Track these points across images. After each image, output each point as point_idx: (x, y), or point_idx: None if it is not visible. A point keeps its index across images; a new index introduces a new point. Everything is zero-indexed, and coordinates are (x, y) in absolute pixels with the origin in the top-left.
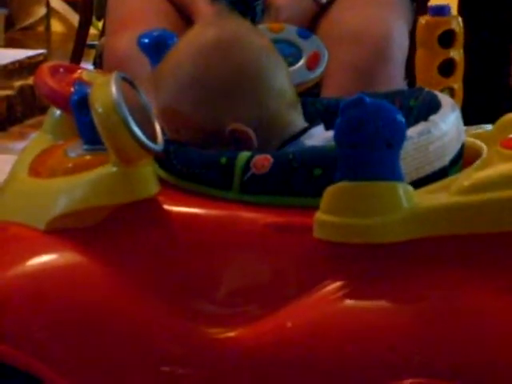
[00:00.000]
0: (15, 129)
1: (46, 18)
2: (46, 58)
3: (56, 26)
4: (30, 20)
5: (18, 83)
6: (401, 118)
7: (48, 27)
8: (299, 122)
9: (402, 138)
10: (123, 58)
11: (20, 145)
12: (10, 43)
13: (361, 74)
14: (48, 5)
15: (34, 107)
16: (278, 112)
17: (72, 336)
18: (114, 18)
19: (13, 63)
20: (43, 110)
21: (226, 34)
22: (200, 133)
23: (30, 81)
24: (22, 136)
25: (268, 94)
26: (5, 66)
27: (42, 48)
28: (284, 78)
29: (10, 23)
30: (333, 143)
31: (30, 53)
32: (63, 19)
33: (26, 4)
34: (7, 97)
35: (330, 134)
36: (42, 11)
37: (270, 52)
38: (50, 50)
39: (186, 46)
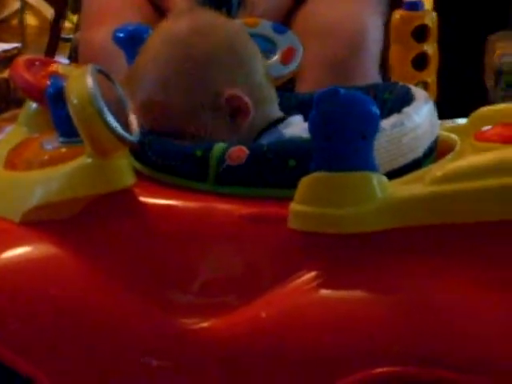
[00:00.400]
0: None
1: (20, 11)
2: (20, 51)
3: (30, 20)
4: (4, 13)
5: None
6: (375, 109)
7: (22, 21)
8: (277, 111)
9: (375, 129)
10: (99, 52)
11: None
12: None
13: (336, 68)
14: None
15: (9, 100)
16: (263, 90)
17: (47, 329)
18: (89, 11)
19: None
20: (18, 104)
21: (201, 22)
22: (184, 119)
23: (5, 74)
24: None
25: (253, 69)
26: None
27: (16, 41)
28: (261, 61)
29: None
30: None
31: (5, 46)
32: (37, 13)
33: None
34: None
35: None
36: (16, 4)
37: (245, 36)
38: (24, 44)
39: (162, 35)
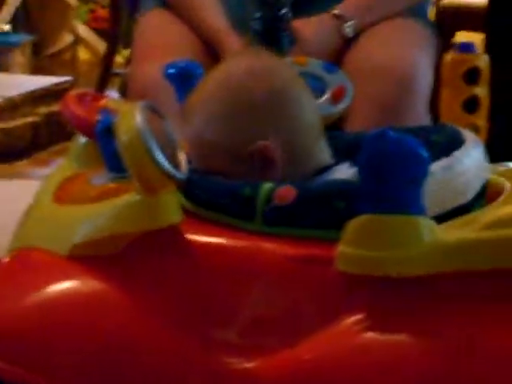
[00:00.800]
0: (40, 155)
1: (73, 45)
2: (72, 85)
3: (83, 54)
4: (57, 47)
5: (44, 110)
6: (424, 152)
7: (75, 55)
8: (325, 156)
9: (424, 172)
10: (148, 87)
11: (45, 171)
12: (37, 70)
13: (385, 109)
14: (75, 32)
15: (60, 134)
16: (305, 142)
17: (90, 364)
18: (140, 46)
19: (39, 90)
20: (68, 137)
21: (257, 64)
22: (228, 160)
23: (56, 107)
24: (46, 162)
25: (297, 121)
26: (31, 93)
27: (68, 75)
28: (312, 110)
29: (37, 50)
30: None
31: (57, 80)
32: (90, 47)
33: (53, 31)
34: (33, 123)
35: (353, 171)
36: (69, 39)
37: (299, 83)
38: (76, 78)
39: (218, 76)
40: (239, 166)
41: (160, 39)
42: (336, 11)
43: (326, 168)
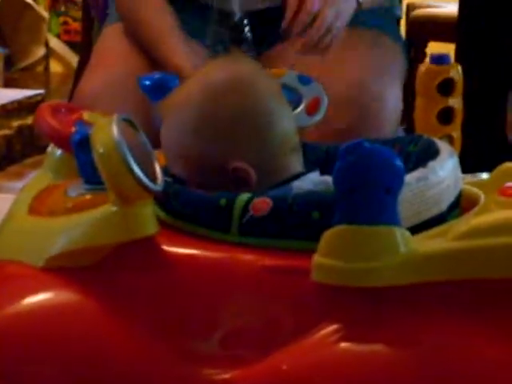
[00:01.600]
0: (14, 168)
1: (46, 58)
2: (44, 98)
3: (55, 67)
4: (30, 60)
5: (16, 123)
6: (399, 163)
7: (47, 67)
8: (297, 166)
9: (400, 183)
10: (89, 97)
11: (18, 184)
12: (10, 83)
13: (349, 137)
14: (47, 45)
15: (33, 147)
16: (278, 156)
17: (66, 375)
18: (93, 57)
19: (12, 103)
20: (42, 150)
21: (234, 77)
22: (202, 171)
23: (29, 120)
24: (20, 175)
25: (271, 137)
26: (3, 106)
27: (40, 88)
28: (288, 123)
29: (9, 63)
30: (322, 187)
31: (29, 93)
32: (62, 60)
33: (25, 44)
34: (6, 136)
35: (322, 178)
36: (41, 51)
37: (277, 97)
38: (48, 91)
39: (195, 87)
40: (214, 178)
41: (109, 52)
42: None
43: (297, 176)
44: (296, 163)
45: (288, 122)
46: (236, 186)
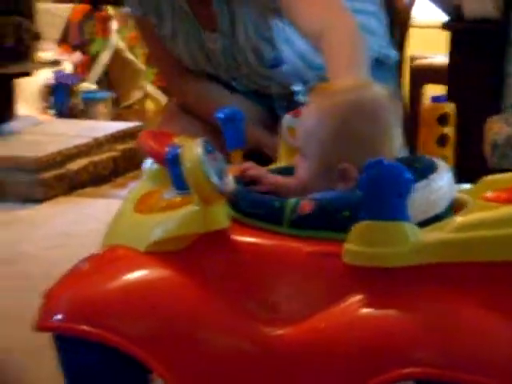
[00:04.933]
0: (119, 180)
1: (143, 99)
2: (141, 128)
3: (149, 105)
4: (131, 101)
5: (121, 146)
6: (409, 175)
7: (144, 106)
8: None
9: (409, 190)
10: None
11: (122, 192)
12: (116, 118)
13: None
14: (144, 89)
15: (133, 165)
16: None
17: (165, 329)
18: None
19: (118, 132)
20: (138, 166)
21: (362, 100)
22: (320, 169)
23: (131, 145)
24: (123, 185)
25: (376, 152)
26: (112, 134)
27: (139, 121)
28: (391, 148)
29: (116, 103)
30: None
31: (131, 124)
32: (155, 100)
33: (127, 89)
34: (113, 157)
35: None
36: (139, 94)
37: (395, 123)
38: (145, 123)
39: (325, 105)
40: (325, 175)
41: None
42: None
43: None
44: None
45: (391, 147)
46: (340, 181)
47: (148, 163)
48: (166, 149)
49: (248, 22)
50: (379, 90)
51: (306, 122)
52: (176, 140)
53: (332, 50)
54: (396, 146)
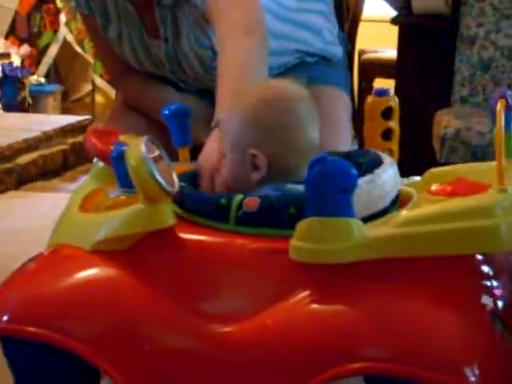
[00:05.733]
0: (69, 174)
1: (91, 92)
2: (90, 121)
3: (99, 98)
4: (80, 94)
5: (70, 140)
6: (353, 170)
7: (93, 99)
8: (302, 174)
9: (354, 185)
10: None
11: (72, 186)
12: (65, 111)
13: None
14: (93, 83)
15: (83, 158)
16: (288, 160)
17: (108, 328)
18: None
19: (67, 125)
20: (89, 161)
21: (281, 94)
22: (235, 160)
23: (80, 138)
24: (73, 179)
25: (288, 143)
26: (61, 128)
27: (88, 114)
28: (307, 138)
29: (64, 96)
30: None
31: (80, 118)
32: (104, 93)
33: (76, 82)
34: (63, 150)
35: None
36: (88, 87)
37: (310, 116)
38: (93, 116)
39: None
40: (241, 165)
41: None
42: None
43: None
44: (302, 170)
45: (309, 137)
46: (252, 170)
47: (98, 166)
48: (111, 147)
49: (190, 32)
50: (293, 87)
51: (224, 125)
52: (121, 138)
53: (222, 67)
54: (312, 136)
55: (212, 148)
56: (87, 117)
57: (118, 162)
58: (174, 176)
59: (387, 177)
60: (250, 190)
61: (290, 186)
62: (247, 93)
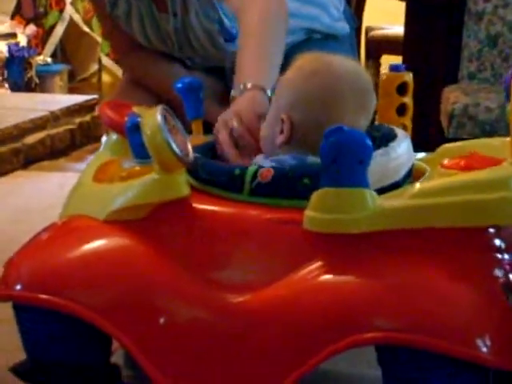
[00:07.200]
0: (76, 153)
1: (98, 71)
2: (97, 101)
3: (105, 78)
4: (87, 73)
5: (78, 119)
6: (369, 142)
7: (100, 78)
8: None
9: (369, 156)
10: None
11: (80, 165)
12: (72, 91)
13: None
14: (100, 62)
15: (90, 137)
16: (311, 132)
17: (123, 297)
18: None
19: (74, 105)
20: (97, 139)
21: (319, 65)
22: (272, 120)
23: (87, 118)
24: (81, 159)
25: (323, 116)
26: (68, 108)
27: (95, 94)
28: (342, 116)
29: (71, 76)
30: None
31: (87, 97)
32: (111, 72)
33: (83, 62)
34: (70, 130)
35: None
36: (95, 67)
37: (349, 92)
38: (100, 96)
39: (295, 68)
40: (272, 127)
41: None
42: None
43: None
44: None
45: (343, 116)
46: (280, 132)
47: (112, 138)
48: (126, 118)
49: (197, 5)
50: (345, 64)
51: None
52: (135, 109)
53: (243, 37)
54: (352, 117)
55: (232, 110)
56: (94, 96)
57: (132, 132)
58: (189, 146)
59: (401, 150)
60: (272, 154)
61: (312, 159)
62: (300, 64)
